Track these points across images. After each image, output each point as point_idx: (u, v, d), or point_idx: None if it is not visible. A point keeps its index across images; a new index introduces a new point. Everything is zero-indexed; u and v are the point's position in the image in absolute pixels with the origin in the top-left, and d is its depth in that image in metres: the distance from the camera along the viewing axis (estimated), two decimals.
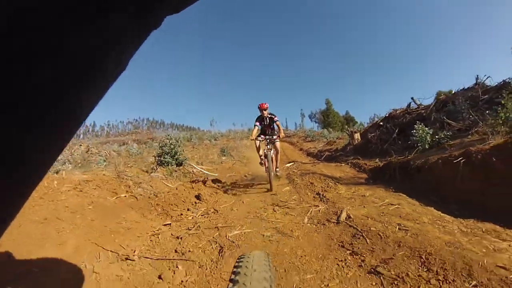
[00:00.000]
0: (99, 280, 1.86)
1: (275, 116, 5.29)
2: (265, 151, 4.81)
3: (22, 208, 0.30)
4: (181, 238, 2.56)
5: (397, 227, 2.31)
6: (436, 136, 5.77)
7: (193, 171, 6.83)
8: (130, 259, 2.14)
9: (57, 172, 4.10)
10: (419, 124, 6.06)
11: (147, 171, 5.36)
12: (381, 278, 1.66)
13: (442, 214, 2.64)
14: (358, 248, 2.08)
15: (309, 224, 2.69)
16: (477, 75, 7.56)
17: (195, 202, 3.96)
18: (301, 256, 2.06)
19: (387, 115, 8.86)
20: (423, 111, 7.73)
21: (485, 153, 3.04)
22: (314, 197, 3.82)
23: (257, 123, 5.16)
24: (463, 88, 7.87)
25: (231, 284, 0.77)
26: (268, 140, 5.00)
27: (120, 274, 1.94)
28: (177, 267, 2.04)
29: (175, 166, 6.27)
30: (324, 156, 11.08)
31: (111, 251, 2.22)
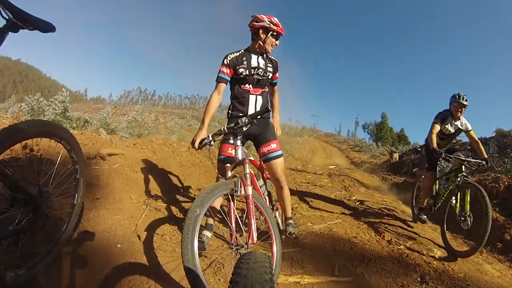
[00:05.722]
0: None
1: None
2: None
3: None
4: None
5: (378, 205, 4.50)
6: None
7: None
8: None
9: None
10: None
11: None
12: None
13: (406, 207, 4.72)
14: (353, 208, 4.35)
15: (332, 196, 5.00)
16: None
17: None
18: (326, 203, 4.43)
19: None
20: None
21: None
22: (341, 187, 6.06)
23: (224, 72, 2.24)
24: None
25: (231, 286, 0.77)
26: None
27: None
28: None
29: None
30: (364, 167, 12.76)
31: None
